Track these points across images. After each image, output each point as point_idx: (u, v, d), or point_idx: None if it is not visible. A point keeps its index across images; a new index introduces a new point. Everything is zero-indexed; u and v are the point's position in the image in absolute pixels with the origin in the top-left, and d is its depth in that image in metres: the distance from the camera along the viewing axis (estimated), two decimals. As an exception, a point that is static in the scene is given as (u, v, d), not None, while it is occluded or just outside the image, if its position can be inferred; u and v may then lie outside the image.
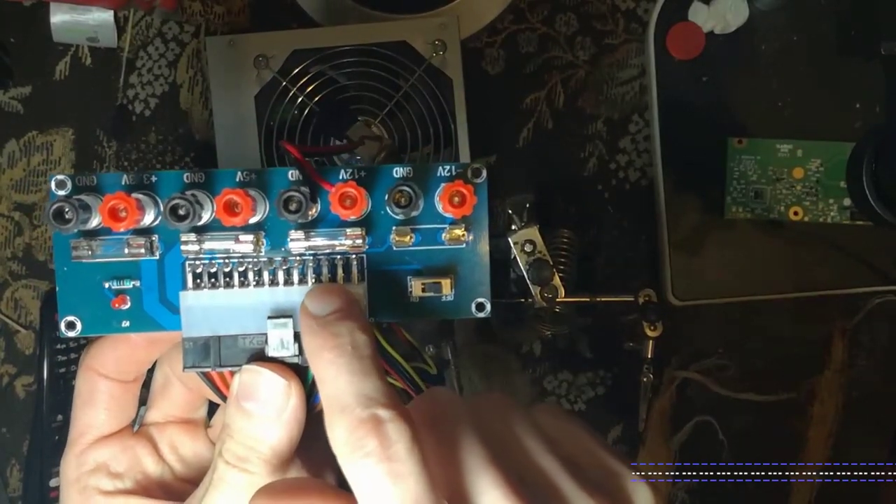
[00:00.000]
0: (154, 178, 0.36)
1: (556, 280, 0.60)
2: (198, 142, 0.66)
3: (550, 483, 0.32)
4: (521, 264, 0.59)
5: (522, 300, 0.61)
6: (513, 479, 0.31)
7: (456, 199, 0.35)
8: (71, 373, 0.63)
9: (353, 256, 0.37)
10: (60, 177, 0.36)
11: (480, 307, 0.38)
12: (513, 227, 0.60)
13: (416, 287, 0.37)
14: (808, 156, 0.63)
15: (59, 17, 0.64)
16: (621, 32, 0.66)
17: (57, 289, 0.37)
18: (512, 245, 0.59)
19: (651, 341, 0.61)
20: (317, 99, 0.59)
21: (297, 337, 0.36)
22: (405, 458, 0.29)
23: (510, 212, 0.61)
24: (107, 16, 0.64)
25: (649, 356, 0.62)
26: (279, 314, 0.36)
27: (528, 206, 0.62)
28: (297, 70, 0.59)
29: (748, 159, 0.63)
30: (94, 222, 0.35)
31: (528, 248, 0.59)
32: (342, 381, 0.31)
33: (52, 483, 0.63)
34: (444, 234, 0.37)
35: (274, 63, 0.59)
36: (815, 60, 0.63)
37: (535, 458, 0.33)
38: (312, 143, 0.60)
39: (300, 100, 0.59)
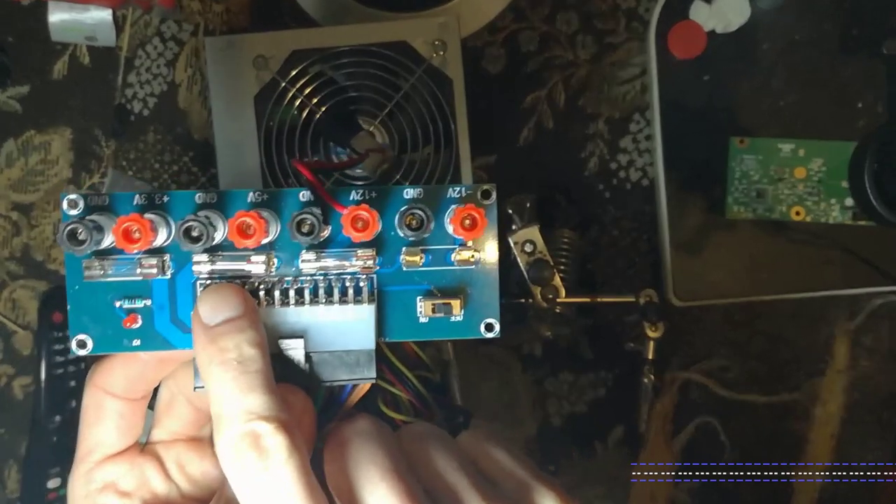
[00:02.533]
0: (166, 198, 0.37)
1: (557, 280, 0.59)
2: (196, 141, 0.66)
3: (455, 497, 0.33)
4: (521, 264, 0.59)
5: (523, 301, 0.60)
6: (412, 490, 0.32)
7: (467, 222, 0.36)
8: (69, 373, 0.63)
9: (364, 277, 0.37)
10: (72, 196, 0.36)
11: (490, 328, 0.38)
12: (513, 227, 0.60)
13: (426, 308, 0.37)
14: (810, 155, 0.63)
15: (57, 16, 0.64)
16: (622, 31, 0.66)
17: (68, 308, 0.37)
18: (512, 245, 0.59)
19: (652, 342, 0.61)
20: (316, 100, 0.59)
21: (307, 358, 0.36)
22: (281, 468, 0.31)
23: (510, 212, 0.61)
24: (105, 15, 0.64)
25: (650, 357, 0.61)
26: (290, 335, 0.36)
27: (528, 205, 0.62)
28: (296, 71, 0.58)
29: (750, 159, 0.63)
30: (107, 242, 0.35)
31: (528, 248, 0.59)
32: (227, 396, 0.32)
33: (50, 484, 0.62)
34: (453, 256, 0.37)
35: (273, 63, 0.58)
36: (818, 59, 0.63)
37: (443, 475, 0.34)
38: (312, 143, 0.59)
39: (300, 101, 0.59)
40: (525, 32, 0.65)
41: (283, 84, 0.58)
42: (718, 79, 0.63)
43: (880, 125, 0.61)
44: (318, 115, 0.59)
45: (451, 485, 0.34)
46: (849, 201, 0.63)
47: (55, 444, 0.63)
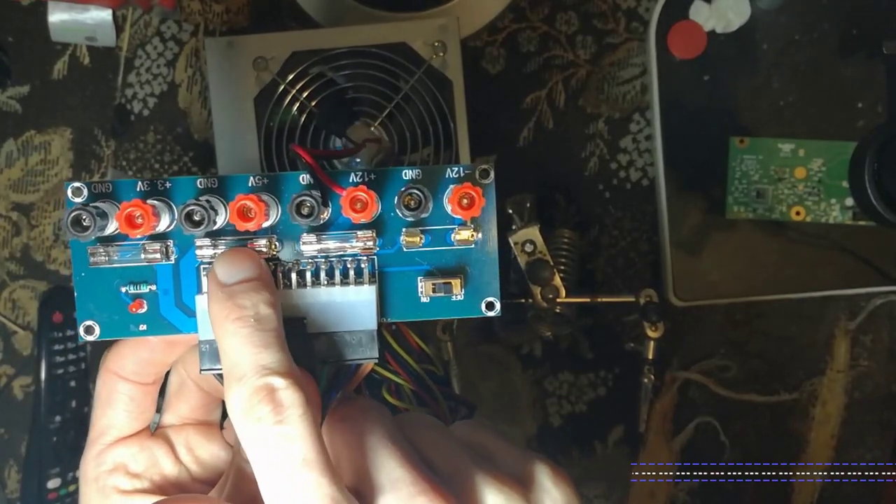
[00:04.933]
0: (168, 184, 0.37)
1: (557, 280, 0.59)
2: (196, 141, 0.66)
3: (456, 467, 0.34)
4: (521, 264, 0.59)
5: (523, 300, 0.60)
6: (411, 455, 0.33)
7: (465, 200, 0.36)
8: (69, 373, 0.63)
9: (364, 258, 0.37)
10: (77, 184, 0.37)
11: (490, 306, 0.38)
12: (513, 226, 0.60)
13: (426, 288, 0.38)
14: (810, 155, 0.63)
15: (57, 17, 0.64)
16: (622, 31, 0.66)
17: (75, 294, 0.37)
18: (512, 245, 0.59)
19: (652, 342, 0.61)
20: (315, 102, 0.59)
21: (310, 339, 0.36)
22: (296, 423, 0.31)
23: (510, 212, 0.61)
24: (105, 15, 0.64)
25: (650, 357, 0.61)
26: (293, 317, 0.37)
27: (528, 205, 0.62)
28: (296, 72, 0.58)
29: (750, 159, 0.63)
30: (111, 228, 0.35)
31: (528, 248, 0.59)
32: (242, 351, 0.32)
33: (50, 484, 0.62)
34: (452, 235, 0.37)
35: (273, 65, 0.58)
36: (817, 59, 0.63)
37: (443, 453, 0.35)
38: (313, 143, 0.59)
39: (300, 102, 0.59)
40: (525, 32, 0.65)
41: (283, 85, 0.58)
42: (718, 79, 0.63)
43: (880, 125, 0.61)
44: (314, 106, 0.59)
45: (451, 461, 0.34)
46: (849, 201, 0.63)
47: (55, 444, 0.63)
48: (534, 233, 0.59)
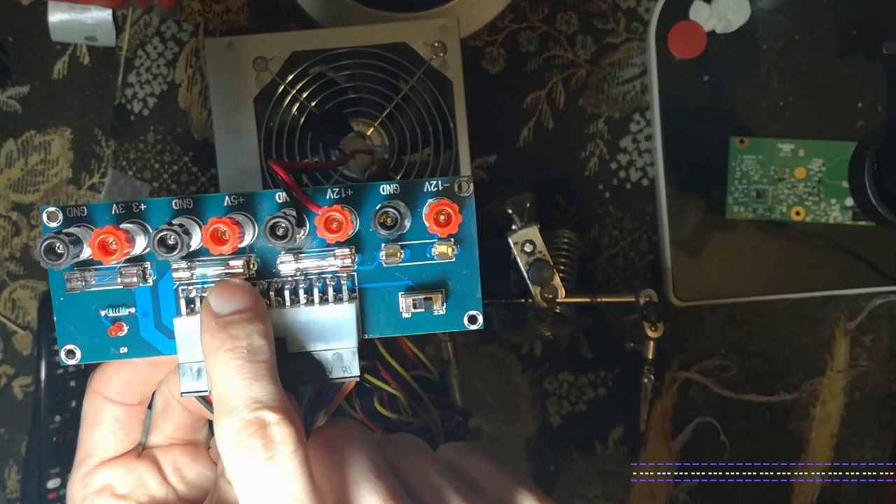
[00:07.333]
0: (143, 206, 0.37)
1: (557, 280, 0.59)
2: (196, 141, 0.66)
3: (440, 497, 0.34)
4: (521, 264, 0.59)
5: (523, 301, 0.60)
6: (394, 489, 0.33)
7: (441, 217, 0.36)
8: (69, 373, 0.63)
9: (344, 275, 0.37)
10: (52, 208, 0.37)
11: (473, 320, 0.38)
12: (513, 227, 0.60)
13: (407, 303, 0.37)
14: (810, 155, 0.63)
15: (57, 17, 0.64)
16: (622, 31, 0.65)
17: (55, 319, 0.37)
18: (512, 245, 0.59)
19: (652, 342, 0.61)
20: (314, 102, 0.59)
21: (290, 358, 0.36)
22: (287, 459, 0.31)
23: (510, 212, 0.61)
24: (105, 15, 0.64)
25: (650, 357, 0.61)
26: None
27: (528, 205, 0.62)
28: (296, 72, 0.58)
29: (750, 159, 0.63)
30: (87, 254, 0.35)
31: (528, 248, 0.59)
32: (234, 384, 0.32)
33: (50, 484, 0.62)
34: (432, 250, 0.37)
35: (273, 65, 0.58)
36: (817, 59, 0.63)
37: (426, 478, 0.35)
38: (312, 148, 0.59)
39: (300, 102, 0.59)
40: (525, 32, 0.65)
41: (283, 85, 0.58)
42: (718, 79, 0.63)
43: (880, 125, 0.61)
44: (314, 106, 0.59)
45: (433, 487, 0.34)
46: (849, 201, 0.63)
47: (55, 444, 0.63)
48: (534, 233, 0.59)
